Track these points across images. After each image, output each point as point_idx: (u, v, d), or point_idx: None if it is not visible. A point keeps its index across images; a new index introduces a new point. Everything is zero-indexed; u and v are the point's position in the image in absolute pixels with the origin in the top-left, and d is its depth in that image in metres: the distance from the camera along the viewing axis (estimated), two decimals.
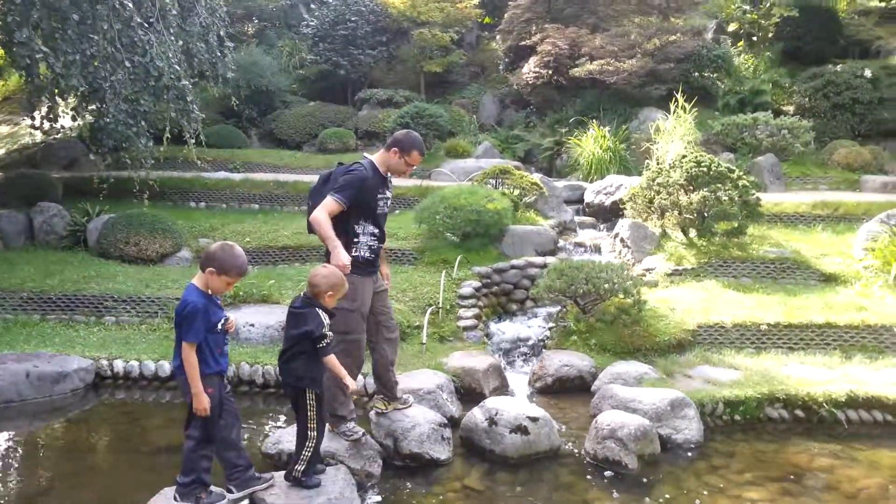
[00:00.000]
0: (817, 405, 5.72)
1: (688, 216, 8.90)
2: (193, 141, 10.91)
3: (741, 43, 17.17)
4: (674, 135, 11.74)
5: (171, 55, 10.26)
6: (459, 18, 17.69)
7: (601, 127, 13.35)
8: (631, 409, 5.26)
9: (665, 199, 9.10)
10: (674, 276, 8.42)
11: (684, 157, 9.29)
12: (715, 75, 15.50)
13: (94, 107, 10.18)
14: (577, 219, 11.19)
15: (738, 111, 14.02)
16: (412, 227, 9.65)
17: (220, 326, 3.77)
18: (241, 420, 4.17)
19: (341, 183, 4.37)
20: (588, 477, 4.69)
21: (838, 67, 14.94)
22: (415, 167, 4.71)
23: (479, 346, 7.15)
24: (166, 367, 6.40)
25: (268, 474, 4.04)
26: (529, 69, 16.19)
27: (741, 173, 9.09)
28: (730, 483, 4.63)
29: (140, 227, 9.67)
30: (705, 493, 4.47)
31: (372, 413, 4.94)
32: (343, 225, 4.42)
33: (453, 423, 5.24)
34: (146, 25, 10.07)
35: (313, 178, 13.19)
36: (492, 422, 4.90)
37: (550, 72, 15.82)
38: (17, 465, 4.96)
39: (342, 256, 4.17)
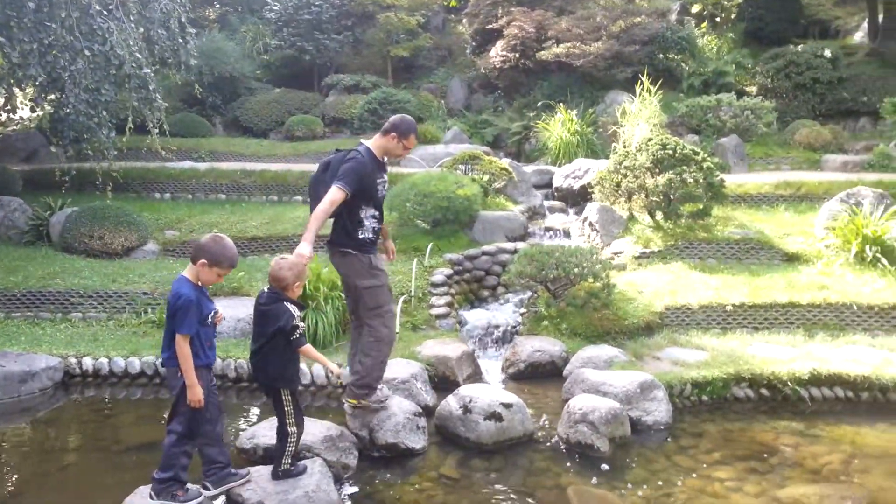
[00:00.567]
0: (782, 384, 5.89)
1: (654, 199, 9.03)
2: (157, 130, 10.73)
3: (704, 24, 17.38)
4: (640, 117, 11.87)
5: (131, 43, 10.05)
6: (425, 2, 17.59)
7: (569, 110, 13.43)
8: (602, 392, 5.35)
9: (632, 183, 9.21)
10: (641, 258, 8.55)
11: (650, 140, 9.40)
12: (679, 57, 15.67)
13: (53, 97, 9.96)
14: (546, 203, 11.26)
15: (702, 93, 14.21)
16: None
17: (210, 319, 3.80)
18: (224, 414, 4.16)
19: (343, 171, 4.49)
20: (561, 461, 4.77)
21: (799, 48, 15.22)
22: (411, 149, 4.88)
23: (452, 334, 7.19)
24: (136, 363, 6.34)
25: (244, 470, 4.04)
26: (497, 53, 16.17)
27: (705, 155, 9.23)
28: (699, 463, 4.75)
29: (104, 220, 9.50)
30: (675, 473, 4.58)
31: (347, 405, 4.95)
32: (348, 211, 4.57)
33: (428, 411, 5.28)
34: (105, 13, 9.84)
35: (281, 167, 13.14)
36: (466, 409, 4.95)
37: (517, 55, 15.83)
38: None
39: (305, 248, 4.19)
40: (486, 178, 10.53)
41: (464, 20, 18.99)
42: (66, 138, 10.05)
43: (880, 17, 16.15)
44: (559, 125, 13.19)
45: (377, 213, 4.73)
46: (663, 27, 15.55)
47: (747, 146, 12.76)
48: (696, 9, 17.92)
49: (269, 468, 4.06)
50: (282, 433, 4.01)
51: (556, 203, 11.42)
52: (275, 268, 3.98)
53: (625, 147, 10.33)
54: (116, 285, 7.94)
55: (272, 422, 4.57)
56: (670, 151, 8.92)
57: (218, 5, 20.27)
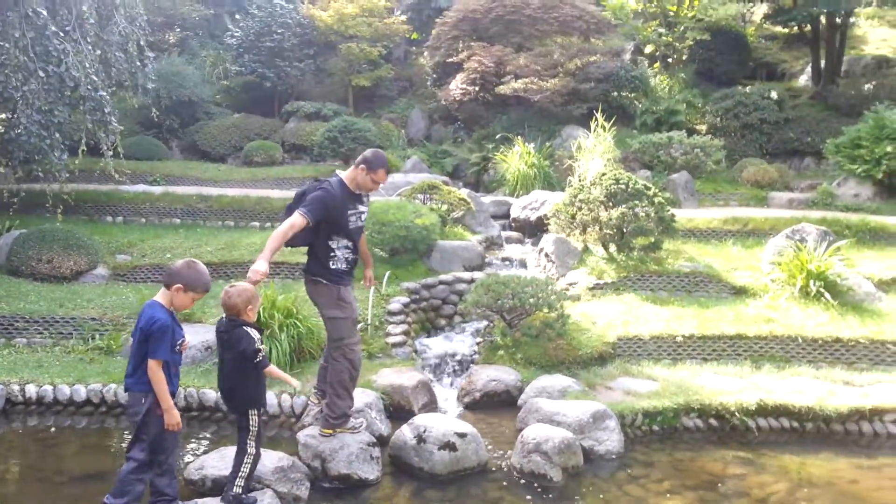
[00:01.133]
0: (730, 414, 6.03)
1: (608, 231, 9.22)
2: (111, 153, 10.55)
3: (657, 64, 17.97)
4: (594, 152, 12.16)
5: (87, 65, 9.93)
6: (387, 34, 17.79)
7: (526, 143, 13.67)
8: (555, 422, 5.41)
9: (586, 215, 9.40)
10: (595, 289, 8.70)
11: (604, 174, 9.63)
12: (633, 95, 16.15)
13: (3, 117, 9.72)
14: (503, 234, 11.40)
15: (654, 130, 14.64)
16: None
17: (178, 346, 3.83)
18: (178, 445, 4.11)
19: (308, 200, 4.57)
20: (515, 491, 4.79)
21: (747, 89, 15.84)
22: (382, 184, 4.91)
23: (408, 363, 7.17)
24: (82, 391, 6.16)
25: (191, 502, 3.95)
26: (457, 85, 16.43)
27: (657, 190, 9.49)
28: (649, 492, 4.82)
29: (53, 242, 9.25)
30: (626, 503, 4.64)
31: (299, 434, 4.90)
32: (319, 240, 4.70)
33: (382, 441, 5.26)
34: (62, 34, 9.71)
35: (238, 192, 13.04)
36: (420, 439, 4.94)
37: (477, 88, 16.11)
38: None
39: (260, 265, 4.19)
40: (444, 207, 10.62)
41: (425, 53, 19.26)
42: (16, 159, 9.81)
43: (823, 62, 16.94)
44: (517, 157, 13.41)
45: (350, 243, 4.78)
46: (618, 66, 16.04)
47: (697, 182, 13.15)
48: (649, 49, 18.54)
49: (218, 499, 3.99)
50: (241, 451, 4.07)
51: (514, 233, 11.56)
52: (224, 297, 4.08)
53: (580, 181, 10.56)
54: (64, 310, 7.72)
55: (221, 452, 4.51)
56: (623, 186, 9.15)
57: (179, 29, 20.15)
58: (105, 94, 10.21)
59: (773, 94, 15.36)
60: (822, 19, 16.31)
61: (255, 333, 4.05)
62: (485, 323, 8.06)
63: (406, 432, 5.06)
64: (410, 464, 4.93)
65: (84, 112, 10.13)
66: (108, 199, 12.08)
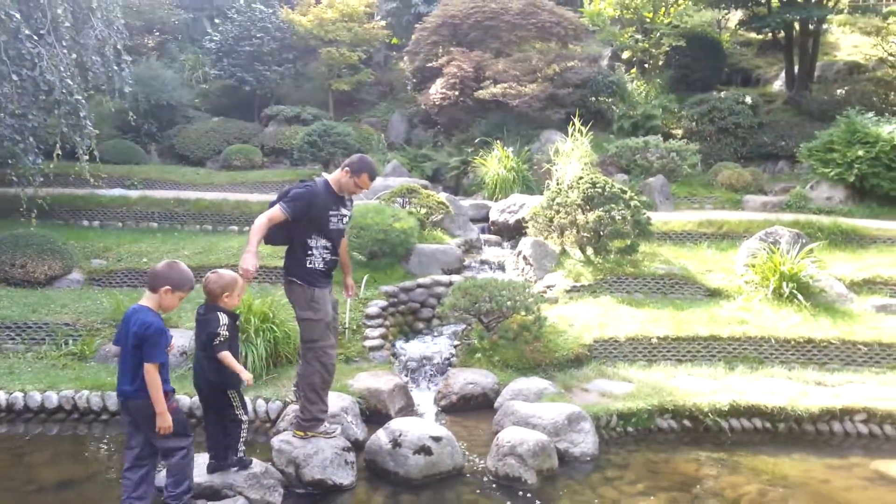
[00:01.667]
0: (703, 415, 6.09)
1: (585, 234, 9.29)
2: (87, 157, 10.45)
3: (634, 70, 18.16)
4: (572, 157, 12.24)
5: (62, 69, 9.83)
6: (367, 38, 17.81)
7: (505, 148, 13.74)
8: (531, 424, 5.43)
9: (564, 219, 9.47)
10: (572, 292, 8.76)
11: (581, 178, 9.71)
12: (610, 100, 16.30)
13: None
14: (482, 237, 11.44)
15: (631, 134, 14.78)
16: None
17: (166, 347, 3.92)
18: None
19: (291, 195, 4.68)
20: (490, 495, 4.80)
21: (722, 94, 16.06)
22: (364, 189, 4.97)
23: (386, 366, 7.18)
24: (54, 398, 6.08)
25: None
26: (437, 90, 16.47)
27: (633, 194, 9.59)
28: (623, 494, 4.86)
29: (27, 247, 9.15)
30: None
31: (273, 440, 4.88)
32: (298, 238, 4.74)
33: (358, 446, 5.24)
34: (36, 38, 9.61)
35: (216, 196, 12.97)
36: (395, 444, 4.94)
37: (457, 93, 16.16)
38: None
39: (247, 261, 4.33)
40: (423, 211, 10.64)
41: (405, 57, 19.29)
42: None
43: (796, 68, 17.21)
44: (496, 161, 13.48)
45: (329, 244, 4.81)
46: (595, 72, 16.19)
47: (673, 186, 13.29)
48: (626, 55, 18.72)
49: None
50: (235, 424, 4.31)
51: (493, 237, 11.61)
52: (204, 283, 4.29)
53: (558, 184, 10.64)
54: (37, 316, 7.63)
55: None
56: (600, 190, 9.23)
57: (157, 33, 20.03)
58: (80, 98, 10.12)
59: (748, 100, 15.59)
60: (796, 26, 16.58)
61: (223, 318, 4.18)
62: (462, 326, 8.08)
63: (381, 437, 5.06)
64: (386, 468, 4.93)
65: (59, 116, 10.02)
66: (84, 204, 11.97)
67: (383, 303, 8.25)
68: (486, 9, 16.23)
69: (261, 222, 4.52)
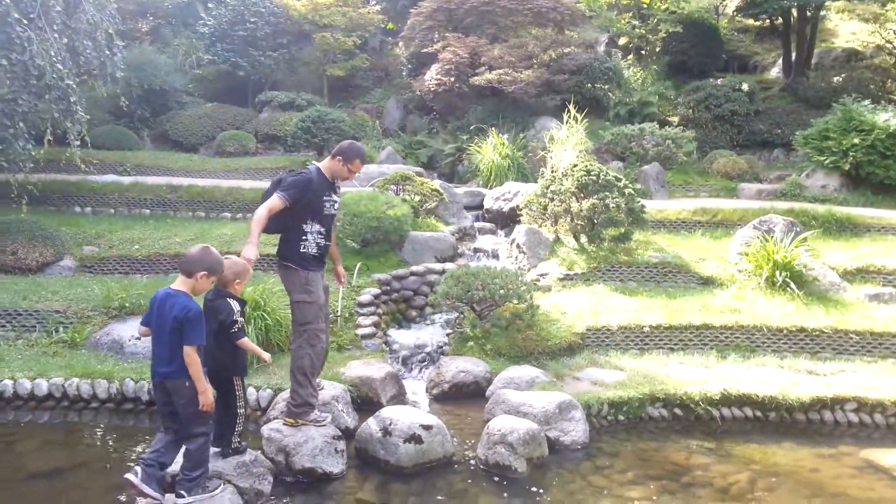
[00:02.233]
0: (694, 404, 6.10)
1: (579, 222, 9.27)
2: (78, 143, 10.36)
3: (631, 56, 18.06)
4: (567, 144, 12.20)
5: (53, 53, 9.72)
6: (362, 23, 17.66)
7: (500, 135, 13.68)
8: (522, 413, 5.43)
9: (558, 206, 9.44)
10: (566, 280, 8.75)
11: (576, 165, 9.67)
12: (606, 87, 16.21)
13: None
14: (476, 225, 11.41)
15: (627, 121, 14.72)
16: None
17: None
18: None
19: (287, 183, 4.81)
20: (480, 483, 4.81)
21: (719, 81, 15.99)
22: (357, 173, 5.17)
23: (378, 355, 7.17)
24: (43, 385, 6.06)
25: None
26: (432, 76, 16.36)
27: (627, 182, 9.56)
28: (613, 483, 4.86)
29: (18, 234, 9.10)
30: (590, 493, 4.68)
31: (263, 428, 4.87)
32: (293, 224, 4.87)
33: (349, 434, 5.23)
34: (25, 21, 9.49)
35: (209, 183, 12.90)
36: (386, 432, 4.93)
37: (452, 79, 16.05)
38: None
39: (249, 251, 4.47)
40: (417, 198, 10.60)
41: (400, 43, 19.15)
42: None
43: (793, 55, 17.13)
44: (491, 149, 13.42)
45: (323, 230, 4.97)
46: (591, 58, 16.07)
47: (668, 174, 13.26)
48: (622, 41, 18.61)
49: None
50: (232, 415, 4.37)
51: (487, 224, 11.58)
52: None
53: (552, 172, 10.60)
54: (27, 303, 7.60)
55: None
56: (594, 177, 9.20)
57: (151, 18, 19.81)
58: (71, 82, 10.01)
59: (745, 87, 15.53)
60: (794, 12, 16.48)
61: (235, 305, 4.29)
62: (455, 314, 8.07)
63: (372, 425, 5.05)
64: (376, 457, 4.93)
65: (50, 101, 9.93)
66: (76, 190, 11.89)
67: (376, 291, 8.23)
68: None
69: (261, 213, 4.64)
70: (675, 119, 15.70)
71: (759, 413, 6.20)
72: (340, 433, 4.99)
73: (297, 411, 4.87)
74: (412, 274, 8.73)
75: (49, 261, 9.17)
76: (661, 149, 13.24)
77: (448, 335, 7.75)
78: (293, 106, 16.28)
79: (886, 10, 16.37)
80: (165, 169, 13.70)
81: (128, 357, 6.71)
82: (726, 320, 7.61)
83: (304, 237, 4.87)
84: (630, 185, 9.41)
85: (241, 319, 4.31)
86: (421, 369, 7.32)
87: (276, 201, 4.70)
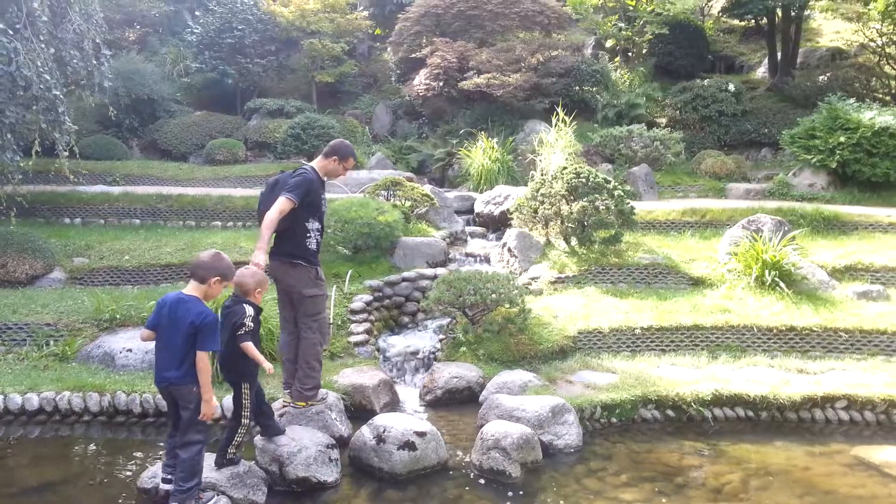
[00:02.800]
0: (686, 405, 6.14)
1: (569, 225, 9.30)
2: (66, 153, 10.32)
3: (617, 59, 18.16)
4: (556, 147, 12.24)
5: (40, 63, 9.68)
6: (350, 29, 17.68)
7: (490, 138, 13.72)
8: (515, 417, 5.45)
9: (548, 209, 9.47)
10: (557, 283, 8.78)
11: (565, 168, 9.71)
12: (594, 89, 16.29)
13: None
14: (467, 229, 11.43)
15: (615, 123, 14.80)
16: None
17: None
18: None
19: (292, 184, 5.00)
20: (474, 488, 4.81)
21: (706, 82, 16.07)
22: (349, 170, 5.50)
23: (371, 362, 7.16)
24: (34, 399, 6.02)
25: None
26: (420, 81, 16.40)
27: (617, 183, 9.60)
28: (607, 485, 4.88)
29: (7, 247, 9.06)
30: (584, 496, 4.70)
31: (256, 439, 4.87)
32: (297, 222, 5.09)
33: (342, 443, 5.23)
34: (11, 32, 9.46)
35: (199, 191, 12.87)
36: (380, 439, 4.94)
37: (441, 84, 16.10)
38: None
39: (260, 258, 4.68)
40: (407, 204, 10.61)
41: (388, 48, 19.17)
42: None
43: (779, 54, 17.25)
44: (481, 153, 13.45)
45: (320, 226, 5.27)
46: (579, 61, 16.16)
47: (657, 175, 13.32)
48: (609, 44, 18.70)
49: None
50: (236, 422, 4.43)
51: (478, 229, 11.61)
52: (238, 276, 4.38)
53: (542, 175, 10.63)
54: (17, 316, 7.55)
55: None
56: (584, 180, 9.24)
57: (138, 27, 19.77)
58: (59, 93, 9.97)
59: (731, 87, 15.62)
60: (778, 12, 16.60)
61: (249, 310, 4.32)
62: (447, 320, 8.08)
63: (365, 433, 5.05)
64: (370, 464, 4.92)
65: (37, 112, 9.88)
66: (65, 201, 11.84)
67: (368, 297, 8.22)
68: None
69: (274, 216, 4.83)
70: (663, 120, 15.79)
71: (750, 413, 6.24)
72: (334, 442, 4.99)
73: (310, 394, 5.24)
74: (404, 280, 8.73)
75: (39, 273, 9.13)
76: (649, 150, 13.31)
77: (440, 341, 7.75)
78: (282, 113, 16.27)
79: (868, 9, 16.51)
80: (155, 178, 13.67)
81: (119, 369, 6.68)
82: (717, 321, 7.65)
83: (307, 234, 5.12)
84: (619, 187, 9.46)
85: (252, 324, 4.32)
86: (414, 376, 7.32)
87: (285, 203, 4.87)
